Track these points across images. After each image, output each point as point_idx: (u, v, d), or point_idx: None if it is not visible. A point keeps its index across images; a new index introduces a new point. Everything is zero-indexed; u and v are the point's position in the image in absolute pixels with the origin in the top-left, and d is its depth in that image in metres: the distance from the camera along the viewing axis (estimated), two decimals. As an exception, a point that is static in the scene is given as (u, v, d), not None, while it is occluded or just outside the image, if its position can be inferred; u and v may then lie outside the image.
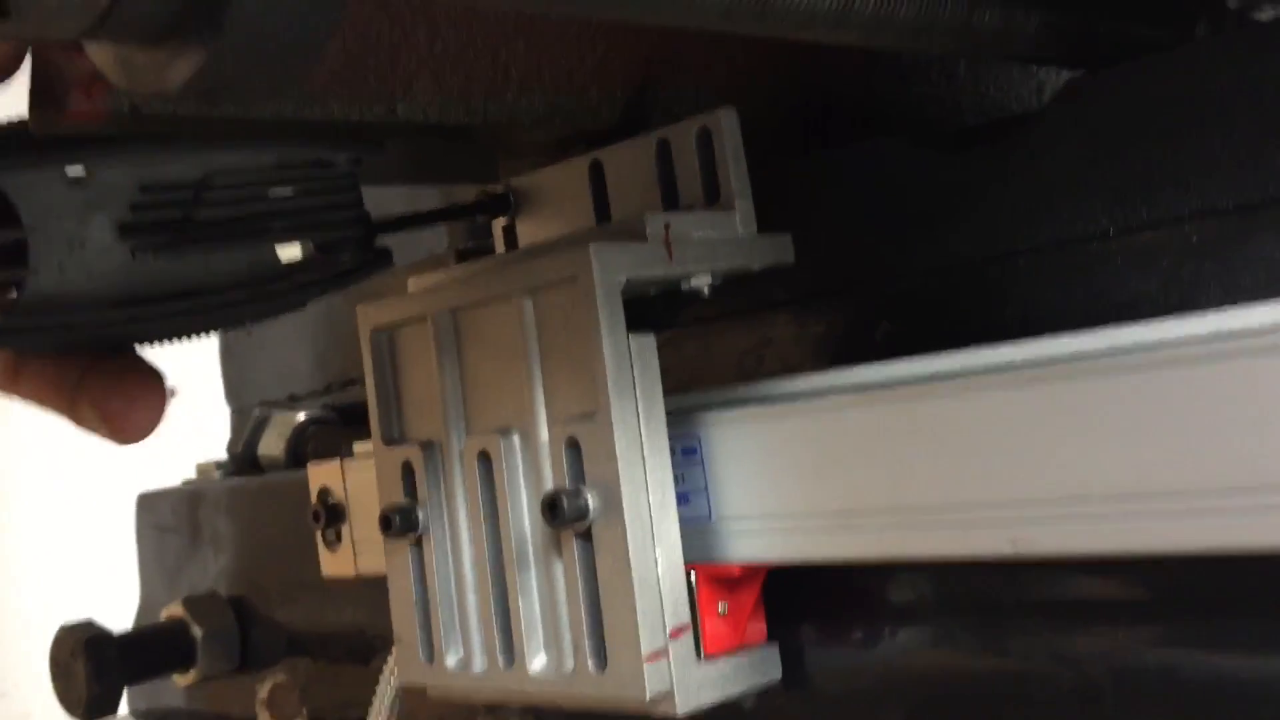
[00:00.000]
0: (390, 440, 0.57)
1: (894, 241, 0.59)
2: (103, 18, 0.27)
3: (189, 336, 0.49)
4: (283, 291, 0.48)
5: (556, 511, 0.47)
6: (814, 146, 0.66)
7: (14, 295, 0.42)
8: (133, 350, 0.50)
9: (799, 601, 0.53)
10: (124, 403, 0.47)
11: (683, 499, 0.50)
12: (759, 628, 0.52)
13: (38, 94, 0.40)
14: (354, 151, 0.47)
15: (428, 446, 0.55)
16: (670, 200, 0.55)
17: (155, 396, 0.48)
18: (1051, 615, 0.47)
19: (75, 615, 0.80)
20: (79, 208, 0.42)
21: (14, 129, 0.42)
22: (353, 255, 0.50)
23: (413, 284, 0.58)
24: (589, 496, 0.48)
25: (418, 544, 0.55)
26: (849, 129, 0.67)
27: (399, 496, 0.56)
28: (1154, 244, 0.51)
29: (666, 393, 0.51)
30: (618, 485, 0.47)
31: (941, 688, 0.50)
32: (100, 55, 0.31)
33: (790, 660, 0.53)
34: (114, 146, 0.42)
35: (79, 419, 0.48)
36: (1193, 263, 0.50)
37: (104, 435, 0.48)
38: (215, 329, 0.50)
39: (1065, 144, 0.53)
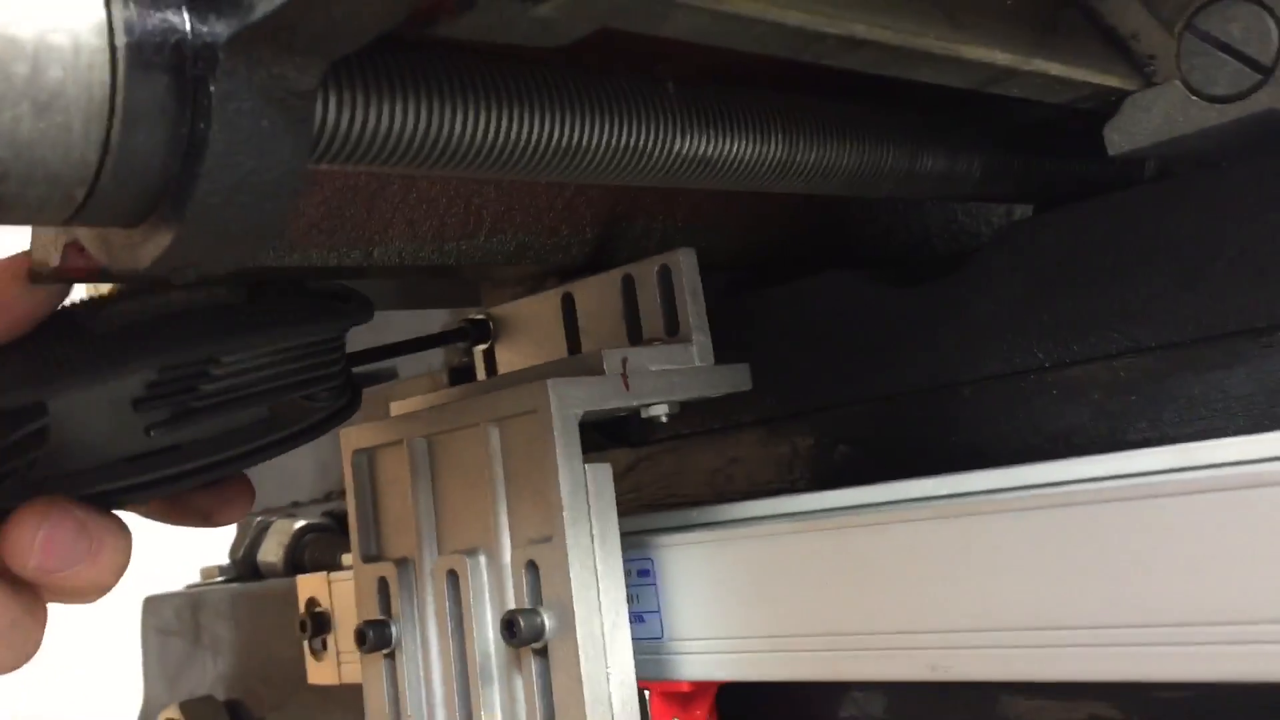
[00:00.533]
0: (368, 557, 0.60)
1: (849, 370, 0.62)
2: (79, 210, 0.31)
3: (179, 485, 0.51)
4: (268, 445, 0.52)
5: (514, 630, 0.50)
6: (782, 278, 0.70)
7: (29, 460, 0.46)
8: None
9: (753, 717, 0.56)
10: (219, 503, 0.54)
11: (638, 618, 0.53)
12: (712, 742, 0.54)
13: (36, 251, 0.44)
14: (348, 322, 0.51)
15: (402, 564, 0.58)
16: (634, 332, 0.59)
17: (245, 496, 0.55)
18: (984, 735, 0.49)
19: (80, 717, 0.83)
20: (103, 403, 0.46)
21: (63, 350, 0.45)
22: (332, 401, 0.53)
23: (394, 408, 0.62)
24: (545, 617, 0.50)
25: (391, 657, 0.58)
26: (817, 259, 0.71)
27: (375, 612, 0.59)
28: (1085, 378, 0.54)
29: (631, 512, 0.54)
30: (571, 606, 0.50)
31: (885, 803, 0.52)
32: (83, 232, 0.35)
33: (742, 774, 0.55)
34: (135, 340, 0.46)
35: (178, 520, 0.54)
36: (1119, 396, 0.53)
37: (198, 526, 0.55)
38: (209, 477, 0.53)
39: (1002, 283, 0.57)
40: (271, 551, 0.89)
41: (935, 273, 0.60)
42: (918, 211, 0.77)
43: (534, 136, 0.38)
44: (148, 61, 0.30)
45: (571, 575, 0.50)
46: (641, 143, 0.43)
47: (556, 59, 0.38)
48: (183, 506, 0.54)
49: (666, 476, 0.72)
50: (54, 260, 0.43)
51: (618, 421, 0.71)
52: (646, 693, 0.52)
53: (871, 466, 0.62)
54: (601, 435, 0.72)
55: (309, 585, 0.70)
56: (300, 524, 0.89)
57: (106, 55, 0.29)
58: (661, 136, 0.44)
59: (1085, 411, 0.54)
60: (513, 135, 0.38)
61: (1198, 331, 0.51)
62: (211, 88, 0.30)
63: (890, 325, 0.61)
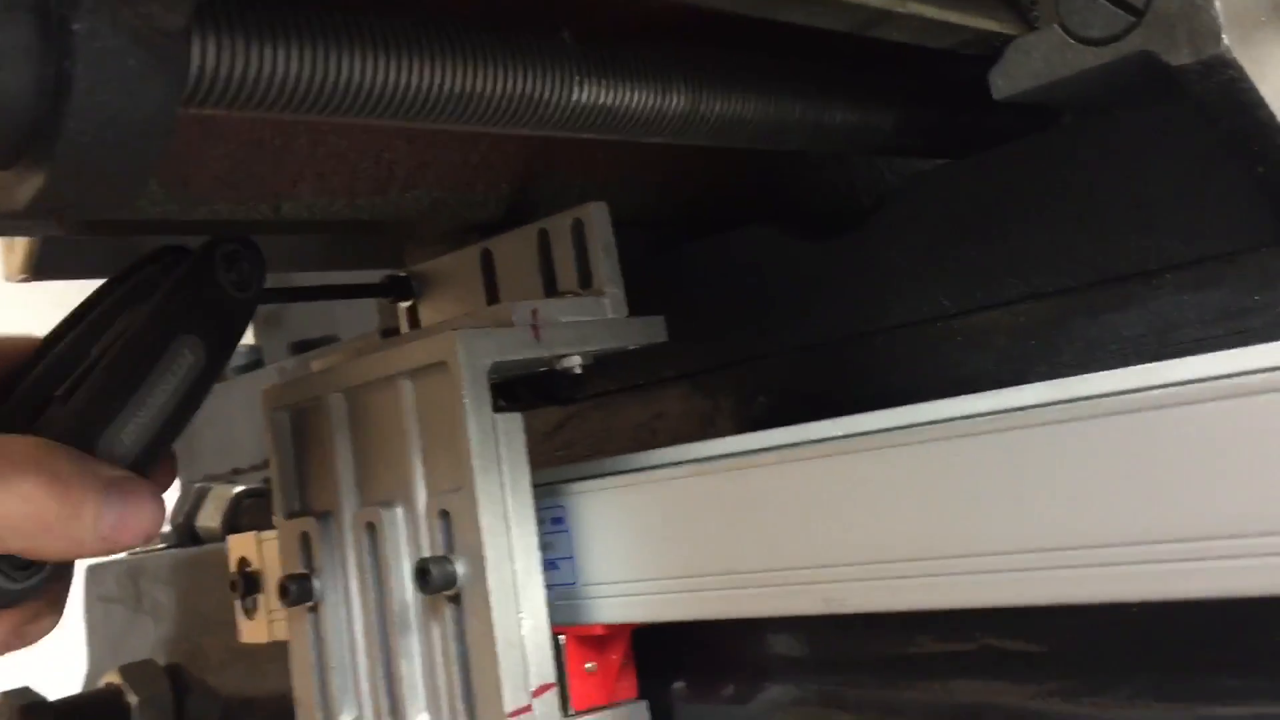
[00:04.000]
0: (291, 513, 0.61)
1: (765, 323, 0.63)
2: (-53, 150, 0.31)
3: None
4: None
5: (426, 578, 0.51)
6: (705, 233, 0.71)
7: None
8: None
9: (668, 661, 0.57)
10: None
11: (552, 564, 0.54)
12: (629, 685, 0.55)
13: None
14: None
15: (324, 518, 0.59)
16: (550, 285, 0.59)
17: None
18: (883, 670, 0.50)
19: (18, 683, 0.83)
20: None
21: None
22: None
23: (315, 365, 0.62)
24: (457, 564, 0.51)
25: (314, 610, 0.59)
26: (739, 218, 0.72)
27: (298, 567, 0.59)
28: (988, 324, 0.55)
29: (545, 466, 0.55)
30: (482, 553, 0.50)
31: (795, 741, 0.53)
32: (-39, 176, 0.35)
33: (659, 716, 0.56)
34: None
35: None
36: (1021, 341, 0.54)
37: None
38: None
39: (908, 233, 0.58)
40: (210, 517, 0.89)
41: (848, 226, 0.61)
42: (842, 168, 0.78)
43: (416, 83, 0.39)
44: (10, 2, 0.30)
45: (482, 523, 0.51)
46: (535, 91, 0.44)
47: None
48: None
49: (594, 433, 0.73)
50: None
51: (546, 379, 0.71)
52: (562, 638, 0.53)
53: (791, 416, 0.63)
54: (530, 393, 0.73)
55: (240, 545, 0.71)
56: (238, 489, 0.90)
57: (-33, -5, 0.29)
58: (557, 86, 0.44)
59: (990, 357, 0.55)
60: (394, 81, 0.38)
61: (1092, 276, 0.52)
62: (75, 26, 0.30)
63: (805, 278, 0.62)
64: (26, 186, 0.33)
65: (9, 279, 0.62)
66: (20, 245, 0.58)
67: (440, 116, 0.42)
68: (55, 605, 0.50)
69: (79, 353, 0.51)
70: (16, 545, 0.45)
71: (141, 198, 0.48)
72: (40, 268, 0.58)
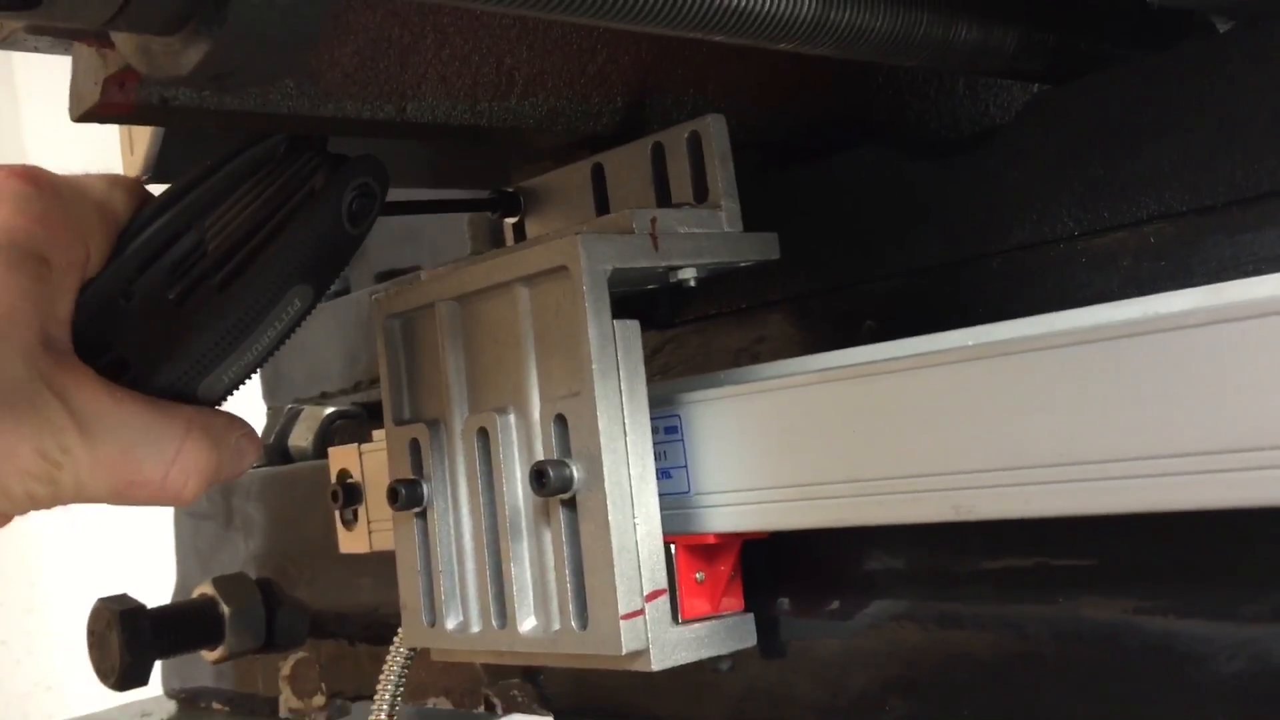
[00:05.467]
0: (400, 420, 0.61)
1: (877, 245, 0.62)
2: (120, 9, 0.31)
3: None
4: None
5: (543, 481, 0.51)
6: (812, 156, 0.70)
7: None
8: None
9: (775, 576, 0.57)
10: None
11: (664, 474, 0.54)
12: (736, 599, 0.55)
13: (76, 87, 0.45)
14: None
15: (433, 425, 0.59)
16: (664, 200, 0.59)
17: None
18: (1007, 585, 0.50)
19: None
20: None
21: None
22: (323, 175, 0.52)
23: (425, 275, 0.62)
24: (574, 468, 0.51)
25: (422, 516, 0.59)
26: (847, 142, 0.71)
27: (407, 473, 0.60)
28: (1115, 245, 0.54)
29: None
30: (600, 457, 0.51)
31: (907, 656, 0.53)
32: (125, 44, 0.35)
33: (766, 629, 0.56)
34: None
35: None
36: (1149, 262, 0.53)
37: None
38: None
39: (1033, 152, 0.56)
40: (301, 436, 0.90)
41: (964, 147, 0.60)
42: (948, 99, 0.77)
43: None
44: None
45: (600, 427, 0.51)
46: (673, -15, 0.43)
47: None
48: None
49: (692, 358, 0.73)
50: (94, 96, 0.44)
51: (645, 302, 0.71)
52: (673, 546, 0.53)
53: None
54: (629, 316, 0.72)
55: (341, 457, 0.71)
56: (330, 410, 0.91)
57: None
58: (694, -19, 0.44)
59: (1114, 278, 0.54)
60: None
61: (1229, 194, 0.50)
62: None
63: (919, 199, 0.61)
64: (193, 51, 0.33)
65: (128, 181, 0.63)
66: (141, 146, 0.59)
67: (571, 8, 0.42)
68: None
69: (185, 224, 0.50)
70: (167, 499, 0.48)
71: (274, 91, 0.48)
72: (160, 168, 0.59)
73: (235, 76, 0.34)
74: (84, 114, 0.45)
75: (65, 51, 0.47)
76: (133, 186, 0.51)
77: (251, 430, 0.52)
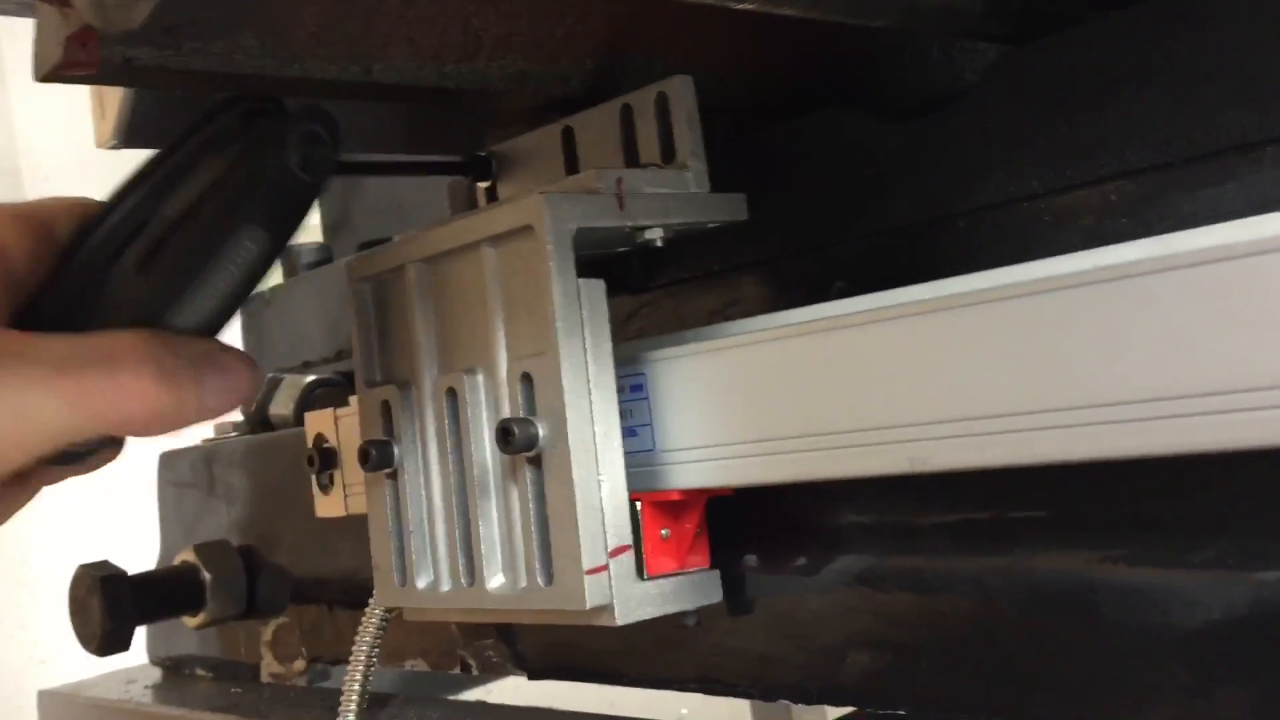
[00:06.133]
0: (371, 382, 0.61)
1: (846, 206, 0.63)
2: (70, -41, 0.31)
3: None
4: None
5: (509, 438, 0.52)
6: (782, 119, 0.70)
7: None
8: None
9: (740, 533, 0.57)
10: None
11: (630, 432, 0.54)
12: (701, 555, 0.56)
13: (39, 48, 0.45)
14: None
15: (404, 386, 0.59)
16: (632, 161, 0.59)
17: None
18: (966, 539, 0.51)
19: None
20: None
21: None
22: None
23: (397, 238, 0.62)
24: (539, 426, 0.52)
25: (393, 477, 0.60)
26: (822, 105, 0.71)
27: (378, 434, 0.60)
28: (1077, 203, 0.55)
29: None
30: (564, 415, 0.51)
31: (868, 610, 0.54)
32: (80, 3, 0.36)
33: (732, 585, 0.56)
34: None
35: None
36: (1112, 220, 0.54)
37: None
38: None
39: (997, 113, 0.57)
40: (283, 404, 0.91)
41: (929, 107, 0.61)
42: (922, 62, 0.77)
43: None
44: None
45: (564, 385, 0.51)
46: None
47: None
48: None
49: (667, 321, 0.73)
50: (56, 56, 0.44)
51: (619, 266, 0.71)
52: (638, 503, 0.53)
53: (867, 301, 0.63)
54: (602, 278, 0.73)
55: (317, 422, 0.72)
56: (311, 378, 0.91)
57: None
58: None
59: (1078, 236, 0.55)
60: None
61: (1189, 150, 0.51)
62: None
63: (886, 160, 0.61)
64: (144, 3, 0.33)
65: (99, 146, 0.63)
66: (111, 110, 0.59)
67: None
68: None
69: (146, 214, 0.49)
70: (127, 433, 0.47)
71: (237, 51, 0.48)
72: (131, 134, 0.59)
73: (190, 28, 0.34)
74: (47, 74, 0.45)
75: (32, 15, 0.47)
76: (33, 213, 0.49)
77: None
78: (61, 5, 0.43)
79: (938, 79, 0.76)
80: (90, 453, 0.50)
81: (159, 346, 0.47)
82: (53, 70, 0.45)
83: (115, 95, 0.60)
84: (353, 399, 0.71)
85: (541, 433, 0.52)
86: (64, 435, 0.45)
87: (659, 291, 0.73)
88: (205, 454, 0.96)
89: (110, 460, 0.52)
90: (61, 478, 0.51)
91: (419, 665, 0.76)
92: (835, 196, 0.64)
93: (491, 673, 0.73)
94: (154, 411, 0.46)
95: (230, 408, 0.50)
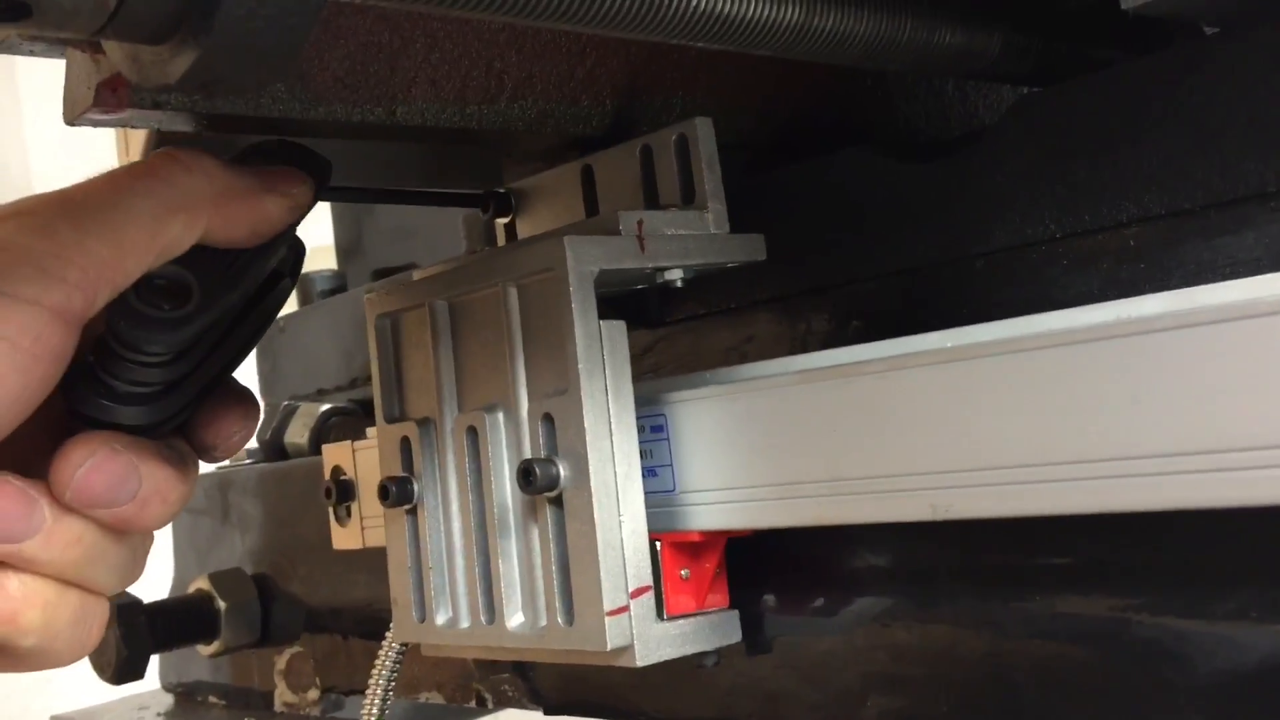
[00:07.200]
0: (391, 418, 0.62)
1: (863, 245, 0.63)
2: (109, 19, 0.32)
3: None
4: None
5: (530, 479, 0.52)
6: (800, 158, 0.70)
7: None
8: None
9: (760, 573, 0.57)
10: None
11: (650, 472, 0.55)
12: (721, 595, 0.56)
13: (69, 92, 0.46)
14: None
15: (424, 423, 0.60)
16: (651, 201, 0.60)
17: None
18: (986, 584, 0.51)
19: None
20: None
21: None
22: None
23: (417, 274, 0.63)
24: (560, 466, 0.52)
25: (413, 513, 0.60)
26: (837, 144, 0.71)
27: (397, 470, 0.60)
28: (1095, 247, 0.55)
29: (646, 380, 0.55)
30: (585, 455, 0.51)
31: (888, 652, 0.54)
32: (115, 52, 0.36)
33: (751, 625, 0.57)
34: None
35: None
36: (1129, 264, 0.54)
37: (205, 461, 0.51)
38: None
39: (1016, 155, 0.57)
40: (298, 433, 0.91)
41: (947, 149, 0.61)
42: (937, 101, 0.77)
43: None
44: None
45: (586, 425, 0.51)
46: (657, -8, 0.44)
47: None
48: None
49: (683, 356, 0.73)
50: (87, 100, 0.45)
51: (636, 302, 0.72)
52: (658, 543, 0.54)
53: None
54: (619, 316, 0.73)
55: (334, 454, 0.72)
56: (326, 406, 0.91)
57: None
58: (677, -12, 0.45)
59: (1095, 280, 0.55)
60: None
61: (1207, 198, 0.51)
62: (237, -102, 0.31)
63: (903, 201, 0.62)
64: (180, 60, 0.34)
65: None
66: (136, 147, 0.60)
67: (558, 15, 0.42)
68: None
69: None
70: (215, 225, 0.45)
71: (264, 95, 0.49)
72: (155, 170, 0.59)
73: (222, 84, 0.35)
74: (77, 117, 0.46)
75: (61, 55, 0.48)
76: None
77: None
78: (94, 52, 0.44)
79: (953, 118, 0.77)
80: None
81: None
82: (83, 114, 0.46)
83: (139, 133, 0.61)
84: (371, 431, 0.71)
85: (563, 473, 0.52)
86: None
87: (675, 326, 0.73)
88: (220, 481, 0.96)
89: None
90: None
91: (434, 698, 0.76)
92: (851, 235, 0.64)
93: (508, 706, 0.73)
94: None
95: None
